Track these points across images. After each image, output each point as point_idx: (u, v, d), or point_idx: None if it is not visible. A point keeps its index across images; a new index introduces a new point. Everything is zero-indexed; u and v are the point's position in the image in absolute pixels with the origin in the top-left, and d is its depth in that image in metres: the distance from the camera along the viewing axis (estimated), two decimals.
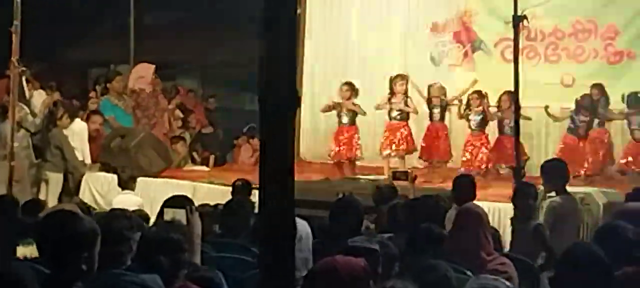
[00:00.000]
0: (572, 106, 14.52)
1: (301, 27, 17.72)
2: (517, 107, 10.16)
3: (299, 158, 17.51)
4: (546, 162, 10.25)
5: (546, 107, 14.79)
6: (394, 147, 14.83)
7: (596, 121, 14.32)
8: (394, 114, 14.92)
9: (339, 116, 15.12)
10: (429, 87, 15.11)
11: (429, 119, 15.15)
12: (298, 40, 17.35)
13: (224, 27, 18.51)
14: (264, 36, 2.70)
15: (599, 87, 14.43)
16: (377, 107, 15.16)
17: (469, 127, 14.83)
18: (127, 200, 12.09)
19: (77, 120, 14.85)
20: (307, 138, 17.85)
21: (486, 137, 14.79)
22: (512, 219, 9.36)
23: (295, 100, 2.72)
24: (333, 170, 15.14)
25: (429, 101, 15.08)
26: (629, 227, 5.74)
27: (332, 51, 17.98)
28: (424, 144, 15.12)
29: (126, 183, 12.87)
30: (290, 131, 2.72)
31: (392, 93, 14.93)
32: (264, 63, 2.71)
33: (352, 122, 15.04)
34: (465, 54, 16.89)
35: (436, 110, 15.02)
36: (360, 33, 17.77)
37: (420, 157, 15.24)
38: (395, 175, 12.71)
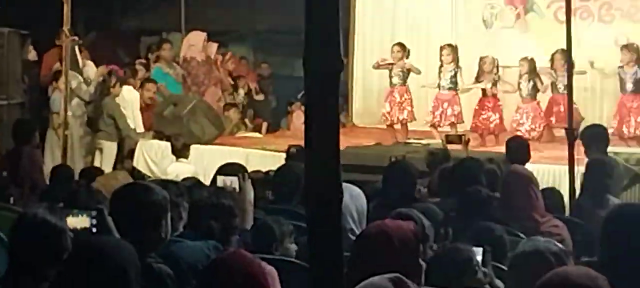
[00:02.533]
0: None
1: None
2: (570, 67, 10.05)
3: (351, 123, 17.55)
4: (586, 128, 10.15)
5: (591, 63, 14.56)
6: (443, 118, 14.72)
7: None
8: (443, 83, 14.79)
9: (391, 77, 15.02)
10: (480, 60, 14.92)
11: (481, 93, 14.95)
12: (347, 3, 17.34)
13: None
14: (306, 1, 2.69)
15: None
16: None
17: (520, 95, 14.68)
18: (181, 169, 12.19)
19: (130, 88, 14.96)
20: (358, 103, 17.83)
21: (538, 104, 14.63)
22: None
23: (339, 64, 2.71)
24: (386, 134, 15.08)
25: (479, 76, 14.87)
26: None
27: (380, 14, 17.86)
28: (474, 118, 14.95)
29: (180, 152, 12.95)
30: (334, 95, 2.71)
31: (441, 63, 14.79)
32: (307, 28, 2.69)
33: (404, 83, 14.94)
34: (518, 16, 16.75)
35: (489, 85, 14.81)
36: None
37: (471, 130, 15.00)
38: (449, 138, 12.68)
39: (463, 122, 14.87)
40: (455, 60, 14.66)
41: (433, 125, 14.77)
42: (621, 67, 14.13)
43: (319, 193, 2.68)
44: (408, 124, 15.02)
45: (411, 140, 14.25)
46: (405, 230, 4.13)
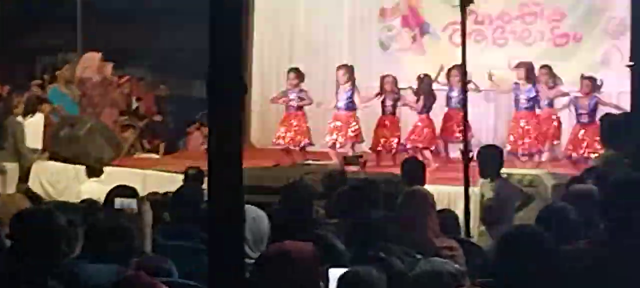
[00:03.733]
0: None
1: (250, 12, 17.79)
2: (465, 84, 10.26)
3: (249, 144, 17.56)
4: (481, 148, 10.36)
5: (490, 75, 14.87)
6: (340, 137, 14.83)
7: (545, 102, 14.40)
8: (340, 104, 14.90)
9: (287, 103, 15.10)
10: (382, 78, 15.10)
11: (382, 111, 15.13)
12: (247, 25, 17.42)
13: (173, 13, 18.42)
14: (210, 23, 2.73)
15: (546, 67, 14.53)
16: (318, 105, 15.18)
17: (418, 112, 14.93)
18: (95, 187, 12.06)
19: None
20: (257, 123, 17.88)
21: (429, 118, 14.90)
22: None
23: (241, 86, 2.75)
24: (284, 156, 15.14)
25: (380, 93, 15.05)
26: (570, 208, 5.85)
27: (280, 36, 17.97)
28: (374, 136, 15.12)
29: (93, 171, 12.86)
30: (237, 116, 2.75)
31: (338, 83, 14.92)
32: (211, 52, 2.73)
33: (299, 108, 15.01)
34: (414, 39, 16.99)
35: (389, 103, 15.01)
36: (307, 18, 17.78)
37: (371, 149, 15.17)
38: (346, 159, 12.80)
39: (362, 141, 15.01)
40: (352, 80, 14.79)
41: (331, 146, 14.86)
42: (516, 84, 14.41)
43: (221, 215, 2.71)
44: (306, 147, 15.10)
45: (309, 162, 14.31)
46: (305, 251, 4.17)
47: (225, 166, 2.71)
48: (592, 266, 4.60)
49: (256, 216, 6.34)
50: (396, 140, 14.84)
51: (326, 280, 4.86)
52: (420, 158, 12.60)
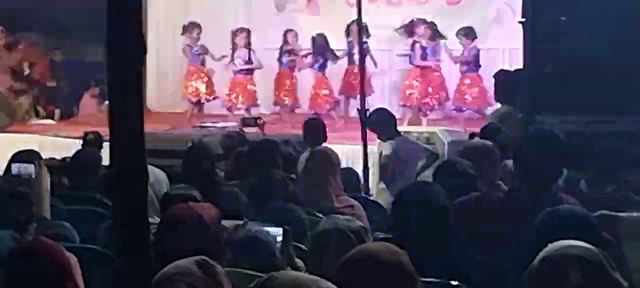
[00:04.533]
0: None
1: None
2: (362, 44, 10.34)
3: (146, 109, 17.42)
4: (372, 113, 10.44)
5: (396, 28, 15.19)
6: (239, 100, 14.93)
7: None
8: (237, 68, 14.98)
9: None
10: (283, 35, 15.23)
11: (279, 66, 15.27)
12: None
13: None
14: None
15: (421, 21, 14.85)
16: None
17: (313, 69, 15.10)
18: None
19: None
20: (153, 88, 17.74)
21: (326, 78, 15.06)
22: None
23: (142, 45, 2.74)
24: (180, 119, 15.12)
25: (281, 49, 15.20)
26: (465, 162, 5.96)
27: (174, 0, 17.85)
28: (276, 92, 15.25)
29: None
30: (139, 77, 2.74)
31: (234, 47, 14.99)
32: (109, 13, 2.71)
33: (203, 63, 15.09)
34: None
35: (285, 58, 15.16)
36: None
37: (274, 104, 15.37)
38: (244, 121, 12.79)
39: (257, 104, 15.10)
40: (249, 42, 14.87)
41: (229, 109, 14.90)
42: (416, 42, 14.68)
43: (124, 179, 2.71)
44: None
45: (207, 124, 14.29)
46: (209, 211, 4.20)
47: (127, 129, 2.70)
48: (482, 217, 4.72)
49: (156, 179, 6.33)
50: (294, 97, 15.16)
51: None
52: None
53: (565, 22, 9.03)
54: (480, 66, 14.48)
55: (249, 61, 14.92)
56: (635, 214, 4.83)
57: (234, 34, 15.06)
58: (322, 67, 15.06)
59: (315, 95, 15.03)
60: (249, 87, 14.96)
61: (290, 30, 15.39)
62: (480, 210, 4.78)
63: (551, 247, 3.40)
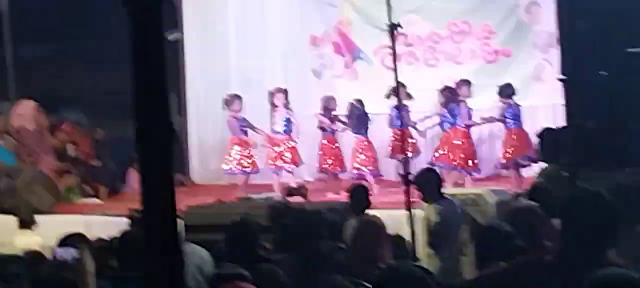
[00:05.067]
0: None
1: (180, 48, 17.86)
2: (401, 108, 10.36)
3: (190, 182, 17.53)
4: (417, 173, 10.41)
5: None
6: (279, 161, 14.96)
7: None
8: (277, 127, 15.03)
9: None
10: (326, 100, 15.31)
11: (322, 132, 15.33)
12: (179, 64, 17.46)
13: (104, 55, 18.34)
14: (133, 68, 2.72)
15: (465, 82, 14.79)
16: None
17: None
18: (28, 240, 11.89)
19: None
20: (196, 160, 17.86)
21: (369, 141, 15.05)
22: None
23: (171, 131, 2.76)
24: (226, 191, 15.15)
25: (322, 115, 15.25)
26: (505, 226, 5.94)
27: (212, 72, 17.98)
28: (321, 157, 15.29)
29: (26, 223, 12.66)
30: (169, 163, 2.75)
31: (274, 106, 15.07)
32: (135, 96, 2.73)
33: (246, 134, 15.12)
34: (346, 64, 17.09)
35: (326, 124, 15.20)
36: (240, 52, 17.83)
37: (319, 171, 15.40)
38: (289, 191, 12.81)
39: (302, 163, 15.19)
40: (287, 103, 14.95)
41: (274, 171, 14.95)
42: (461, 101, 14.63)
43: (158, 258, 2.72)
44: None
45: (251, 196, 14.31)
46: None
47: (160, 210, 2.71)
48: (528, 281, 4.68)
49: (201, 260, 6.34)
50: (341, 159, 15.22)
51: None
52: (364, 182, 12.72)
53: (605, 77, 9.01)
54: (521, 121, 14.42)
55: (289, 122, 14.98)
56: None
57: (272, 94, 15.16)
58: (362, 131, 15.05)
59: (358, 158, 15.01)
60: (290, 146, 15.02)
61: (330, 96, 15.42)
62: (526, 274, 4.74)
63: None
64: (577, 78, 7.98)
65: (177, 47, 17.97)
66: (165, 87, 2.77)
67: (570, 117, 8.29)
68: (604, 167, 8.42)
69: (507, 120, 14.40)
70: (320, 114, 15.28)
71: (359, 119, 14.99)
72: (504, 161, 14.54)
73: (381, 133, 15.48)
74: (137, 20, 2.74)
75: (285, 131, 15.05)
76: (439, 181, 10.28)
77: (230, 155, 15.12)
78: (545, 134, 11.10)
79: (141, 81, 2.74)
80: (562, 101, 9.46)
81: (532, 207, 6.64)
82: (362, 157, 14.93)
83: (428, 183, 10.06)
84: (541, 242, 6.21)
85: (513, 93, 14.33)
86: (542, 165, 10.97)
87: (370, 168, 14.92)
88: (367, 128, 15.09)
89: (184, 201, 13.80)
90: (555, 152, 9.97)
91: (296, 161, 15.10)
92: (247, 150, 15.05)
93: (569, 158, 7.84)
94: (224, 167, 15.15)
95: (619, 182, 6.64)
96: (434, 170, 11.10)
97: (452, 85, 14.87)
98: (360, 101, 15.14)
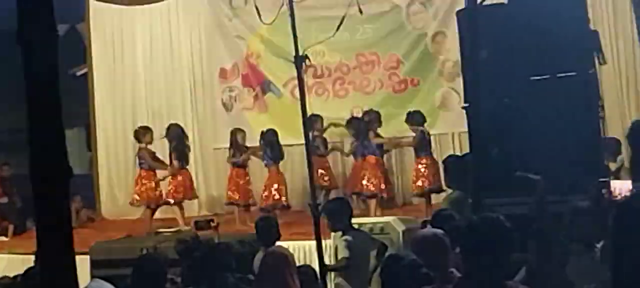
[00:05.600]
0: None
1: (90, 84, 17.73)
2: (308, 142, 10.33)
3: (100, 218, 17.36)
4: (327, 202, 10.45)
5: (332, 124, 15.36)
6: (176, 193, 14.95)
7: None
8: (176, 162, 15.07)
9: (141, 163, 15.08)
10: (232, 134, 15.25)
11: (232, 165, 15.29)
12: (88, 98, 17.32)
13: (9, 92, 18.08)
14: (27, 106, 2.70)
15: (370, 112, 14.94)
16: None
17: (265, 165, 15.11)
18: None
19: None
20: (105, 196, 17.71)
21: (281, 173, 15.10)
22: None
23: (66, 172, 2.75)
24: (136, 226, 15.04)
25: (230, 147, 15.22)
26: (410, 255, 5.98)
27: (121, 105, 17.88)
28: (230, 191, 15.26)
29: None
30: (65, 203, 2.74)
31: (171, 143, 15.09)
32: (29, 134, 2.71)
33: (149, 168, 15.01)
34: (256, 97, 17.12)
35: (238, 155, 15.18)
36: (149, 85, 17.76)
37: (227, 203, 15.37)
38: (198, 224, 12.72)
39: (196, 197, 15.39)
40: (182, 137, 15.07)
41: (175, 204, 14.89)
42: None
43: None
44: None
45: (161, 230, 14.22)
46: None
47: (56, 254, 2.70)
48: None
49: None
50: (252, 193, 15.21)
51: None
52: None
53: (509, 104, 9.13)
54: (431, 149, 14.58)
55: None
56: None
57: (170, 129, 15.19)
58: (276, 162, 15.07)
59: (268, 190, 15.00)
60: (181, 179, 15.03)
61: (239, 129, 15.38)
62: None
63: None
64: (479, 106, 8.05)
65: (86, 82, 17.84)
66: (60, 124, 2.75)
67: (473, 144, 8.35)
68: (506, 195, 8.53)
69: (417, 147, 14.51)
70: (230, 146, 15.26)
71: (273, 149, 15.00)
72: (414, 190, 14.64)
73: (292, 165, 15.56)
74: (30, 59, 2.72)
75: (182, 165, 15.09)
76: (348, 211, 10.29)
77: (137, 188, 15.02)
78: (449, 161, 11.22)
79: (36, 118, 2.73)
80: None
81: (437, 235, 6.67)
82: (277, 186, 14.93)
83: (337, 213, 10.08)
84: (446, 270, 6.27)
85: (423, 120, 14.43)
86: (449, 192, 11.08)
87: (284, 199, 14.93)
88: (280, 159, 15.10)
89: (92, 236, 13.70)
90: (459, 179, 10.07)
91: (187, 195, 15.17)
92: (153, 183, 14.96)
93: (472, 185, 7.90)
94: (134, 198, 15.04)
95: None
96: (344, 200, 11.12)
97: (361, 115, 15.00)
98: (274, 132, 15.13)
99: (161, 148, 15.32)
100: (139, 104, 17.77)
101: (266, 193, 14.92)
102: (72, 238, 2.80)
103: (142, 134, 15.06)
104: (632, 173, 9.29)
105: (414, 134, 14.41)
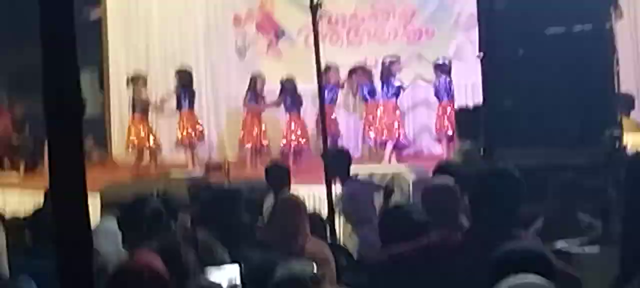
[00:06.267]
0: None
1: (104, 24, 17.71)
2: (321, 89, 10.31)
3: (111, 161, 17.39)
4: (329, 151, 10.42)
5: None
6: (191, 136, 15.08)
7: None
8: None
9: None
10: (251, 80, 15.38)
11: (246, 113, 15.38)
12: (101, 42, 17.29)
13: (26, 30, 18.05)
14: (42, 42, 2.68)
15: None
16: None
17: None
18: None
19: None
20: (117, 137, 17.71)
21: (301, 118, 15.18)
22: None
23: (79, 108, 2.72)
24: (148, 168, 15.12)
25: (247, 94, 15.29)
26: (413, 206, 5.96)
27: (134, 47, 17.84)
28: (244, 132, 15.33)
29: None
30: (77, 137, 2.71)
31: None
32: (45, 69, 2.68)
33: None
34: (270, 44, 17.06)
35: (252, 103, 15.27)
36: (162, 30, 17.71)
37: (239, 146, 15.49)
38: (208, 166, 12.76)
39: (203, 139, 15.49)
40: (190, 82, 15.41)
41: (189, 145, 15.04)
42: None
43: (68, 237, 2.68)
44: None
45: (171, 172, 14.26)
46: (154, 267, 4.19)
47: (69, 188, 2.68)
48: (439, 257, 4.72)
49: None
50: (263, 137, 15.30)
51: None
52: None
53: (523, 55, 9.08)
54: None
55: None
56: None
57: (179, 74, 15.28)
58: (293, 109, 15.15)
59: (290, 134, 15.13)
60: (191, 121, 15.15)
61: (259, 75, 15.48)
62: (437, 251, 4.77)
63: (505, 283, 3.40)
64: (494, 57, 8.01)
65: (100, 25, 17.81)
66: (75, 62, 2.73)
67: (486, 95, 8.33)
68: (518, 146, 8.50)
69: (440, 94, 14.67)
70: (247, 92, 15.31)
71: (291, 96, 15.04)
72: (435, 134, 14.81)
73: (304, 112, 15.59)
74: None
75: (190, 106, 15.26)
76: (346, 161, 10.23)
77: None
78: (461, 113, 11.19)
79: (50, 55, 2.70)
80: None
81: (448, 185, 6.64)
82: (300, 132, 15.03)
83: (334, 163, 10.02)
84: (456, 220, 6.25)
85: (449, 69, 14.52)
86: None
87: (304, 141, 15.05)
88: (300, 105, 15.18)
89: (102, 177, 13.71)
90: (470, 130, 10.04)
91: (198, 137, 15.42)
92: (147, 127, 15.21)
93: (484, 136, 7.88)
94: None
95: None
96: (343, 150, 11.07)
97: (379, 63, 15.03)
98: (293, 80, 15.17)
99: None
100: (152, 48, 17.71)
101: (288, 138, 15.01)
102: (85, 176, 2.77)
103: (135, 81, 15.26)
104: None
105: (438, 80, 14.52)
